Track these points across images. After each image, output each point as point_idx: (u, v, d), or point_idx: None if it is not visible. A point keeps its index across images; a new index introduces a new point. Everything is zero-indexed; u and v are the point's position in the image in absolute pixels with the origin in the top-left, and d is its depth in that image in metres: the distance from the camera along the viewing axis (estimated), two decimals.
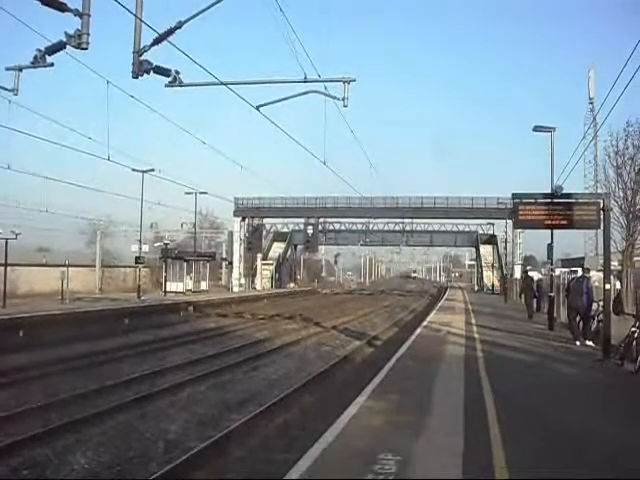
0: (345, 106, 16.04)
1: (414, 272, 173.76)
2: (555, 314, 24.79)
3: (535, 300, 31.60)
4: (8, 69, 13.79)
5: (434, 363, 14.55)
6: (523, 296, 32.69)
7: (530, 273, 35.15)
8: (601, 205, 15.82)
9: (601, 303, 17.01)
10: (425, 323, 25.67)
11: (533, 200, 16.82)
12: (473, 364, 14.52)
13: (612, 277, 20.63)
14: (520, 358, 16.04)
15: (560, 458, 7.41)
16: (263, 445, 10.39)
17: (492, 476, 6.62)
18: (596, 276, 22.81)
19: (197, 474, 8.94)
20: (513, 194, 17.15)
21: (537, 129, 24.42)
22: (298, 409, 13.21)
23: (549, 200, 16.62)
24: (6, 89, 14.32)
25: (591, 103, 67.36)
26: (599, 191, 34.23)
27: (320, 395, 14.59)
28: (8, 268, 35.84)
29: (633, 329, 14.09)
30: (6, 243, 34.59)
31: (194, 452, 9.57)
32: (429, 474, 6.62)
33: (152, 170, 43.65)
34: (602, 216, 15.73)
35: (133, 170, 42.13)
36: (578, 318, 19.01)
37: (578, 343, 18.20)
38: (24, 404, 12.86)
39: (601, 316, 17.01)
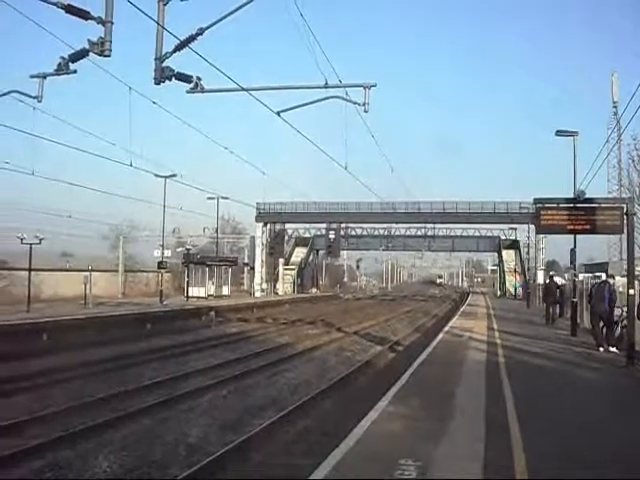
0: (366, 111, 16.05)
1: (440, 277, 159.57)
2: (578, 320, 24.59)
3: (558, 305, 31.39)
4: (32, 76, 13.96)
5: (455, 369, 14.50)
6: (546, 301, 32.42)
7: (555, 278, 34.81)
8: (624, 210, 15.68)
9: (625, 308, 16.85)
10: (447, 328, 25.59)
11: (555, 205, 16.69)
12: (494, 370, 14.45)
13: (637, 282, 20.43)
14: (542, 364, 15.92)
15: (580, 463, 7.39)
16: (284, 450, 10.40)
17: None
18: (620, 281, 22.59)
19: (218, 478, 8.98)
20: (535, 199, 17.03)
21: (559, 133, 24.23)
22: (319, 414, 13.22)
23: (572, 205, 16.48)
24: (30, 96, 14.51)
25: (615, 107, 66.68)
26: (623, 195, 33.89)
27: (341, 400, 14.59)
28: (32, 273, 36.14)
29: None
30: (30, 248, 34.89)
31: (214, 457, 9.60)
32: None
33: (174, 175, 43.91)
34: (625, 221, 15.58)
35: (155, 176, 42.43)
36: (601, 324, 18.85)
37: (601, 349, 18.05)
38: (47, 407, 12.99)
39: (625, 322, 16.85)
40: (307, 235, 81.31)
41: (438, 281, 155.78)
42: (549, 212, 16.49)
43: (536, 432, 8.67)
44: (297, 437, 11.33)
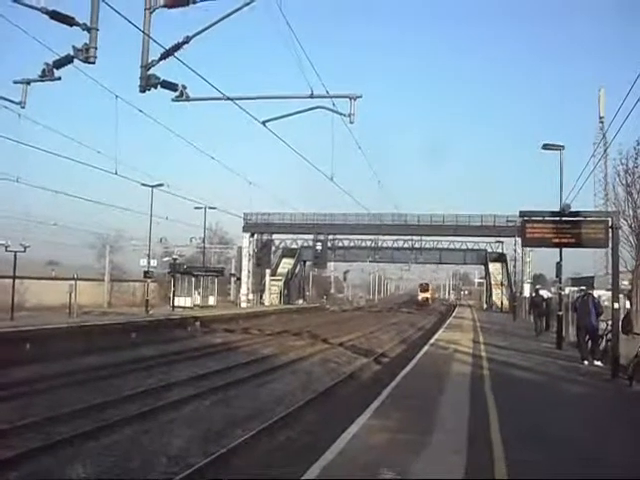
0: (351, 122, 15.98)
1: (424, 290, 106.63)
2: (564, 333, 24.62)
3: (544, 319, 31.47)
4: (16, 82, 13.84)
5: (439, 381, 14.47)
6: (532, 314, 32.71)
7: (541, 292, 34.99)
8: (609, 224, 15.71)
9: (609, 322, 16.88)
10: (432, 341, 25.60)
11: (541, 218, 16.73)
12: (479, 383, 14.44)
13: (622, 296, 20.47)
14: (526, 377, 15.93)
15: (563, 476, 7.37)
16: (266, 461, 10.30)
17: None
18: (605, 295, 22.66)
19: None
20: (521, 212, 17.08)
21: (546, 147, 24.35)
22: (302, 426, 13.12)
23: (557, 218, 16.53)
24: (14, 102, 14.39)
25: (601, 122, 67.06)
26: (609, 209, 34.05)
27: (324, 412, 14.47)
28: (17, 281, 35.91)
29: None
30: (15, 256, 34.70)
31: (195, 468, 9.51)
32: None
33: (161, 185, 43.78)
34: (610, 234, 15.61)
35: (142, 185, 42.21)
36: (587, 337, 18.86)
37: (586, 362, 18.04)
38: (28, 417, 12.82)
39: (610, 335, 16.87)
40: (294, 246, 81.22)
41: (421, 297, 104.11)
42: (535, 225, 16.52)
43: (519, 447, 8.63)
44: (280, 448, 11.24)
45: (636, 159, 28.61)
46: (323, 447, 8.32)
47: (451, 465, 7.53)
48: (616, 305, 15.89)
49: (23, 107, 14.25)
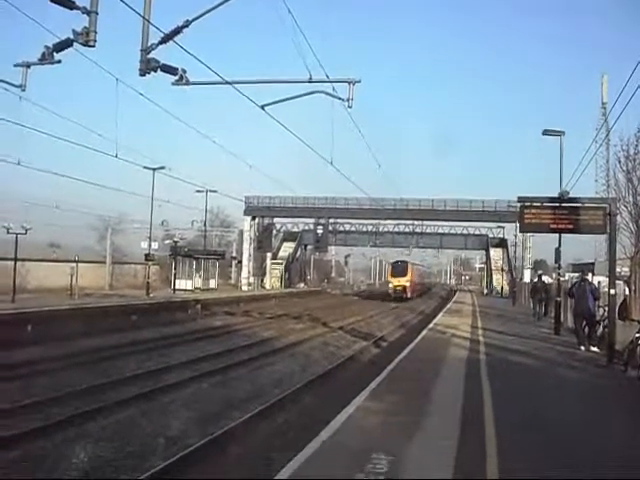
0: (350, 107, 16.01)
1: (398, 275, 66.60)
2: (562, 318, 24.72)
3: (543, 304, 31.58)
4: (16, 65, 13.89)
5: (436, 365, 14.58)
6: (532, 299, 32.96)
7: (543, 277, 35.11)
8: (607, 210, 15.75)
9: (606, 308, 16.96)
10: (431, 325, 25.71)
11: (539, 204, 16.74)
12: (475, 367, 14.54)
13: (622, 283, 20.50)
14: (523, 362, 16.01)
15: (554, 461, 7.44)
16: (262, 443, 10.42)
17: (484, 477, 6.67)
18: (605, 281, 22.73)
19: (196, 470, 8.99)
20: (519, 197, 17.09)
21: (546, 133, 24.32)
22: (299, 408, 13.27)
23: (555, 204, 16.55)
24: (14, 85, 14.43)
25: (604, 108, 66.79)
26: (610, 195, 34.01)
27: (321, 395, 14.61)
28: (18, 263, 35.97)
29: (638, 335, 14.04)
30: (16, 238, 34.77)
31: (193, 448, 9.63)
32: (420, 474, 6.66)
33: (163, 168, 43.77)
34: (608, 221, 15.65)
35: (144, 167, 42.21)
36: (584, 323, 18.94)
37: (583, 348, 18.15)
38: (28, 397, 12.96)
39: (606, 321, 16.95)
40: (295, 230, 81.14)
41: (392, 285, 66.85)
42: (532, 211, 16.54)
43: (511, 430, 8.73)
44: (276, 430, 11.36)
45: (637, 145, 28.48)
46: (319, 428, 8.44)
47: (443, 449, 7.62)
48: (612, 291, 15.96)
49: (23, 90, 14.32)
